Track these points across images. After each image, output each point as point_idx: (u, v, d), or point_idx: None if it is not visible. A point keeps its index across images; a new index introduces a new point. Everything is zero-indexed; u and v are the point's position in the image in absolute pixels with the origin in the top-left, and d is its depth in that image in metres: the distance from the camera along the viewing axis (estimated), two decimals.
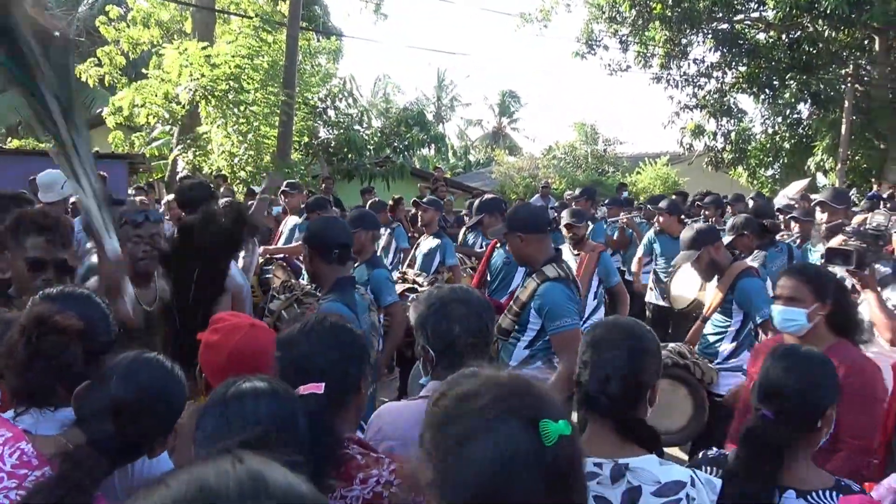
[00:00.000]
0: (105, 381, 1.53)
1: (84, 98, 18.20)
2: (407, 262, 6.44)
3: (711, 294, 3.94)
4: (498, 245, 5.40)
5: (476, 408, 1.04)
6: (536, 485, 0.98)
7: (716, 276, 3.87)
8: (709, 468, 1.85)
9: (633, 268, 7.12)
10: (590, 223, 7.58)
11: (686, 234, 3.99)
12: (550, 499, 0.99)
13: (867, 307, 3.20)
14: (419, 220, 6.55)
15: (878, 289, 3.27)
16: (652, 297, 6.64)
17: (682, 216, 6.87)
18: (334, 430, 1.60)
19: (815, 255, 5.23)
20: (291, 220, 6.94)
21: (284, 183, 7.40)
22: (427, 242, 6.18)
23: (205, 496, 0.62)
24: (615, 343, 1.69)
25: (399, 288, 5.14)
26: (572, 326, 3.18)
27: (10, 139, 19.27)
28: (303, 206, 7.04)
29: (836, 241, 3.79)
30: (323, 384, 1.60)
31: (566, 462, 1.02)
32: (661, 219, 6.63)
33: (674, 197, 9.21)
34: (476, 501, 0.98)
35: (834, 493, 1.75)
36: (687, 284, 5.02)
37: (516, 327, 3.37)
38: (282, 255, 6.27)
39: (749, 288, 3.70)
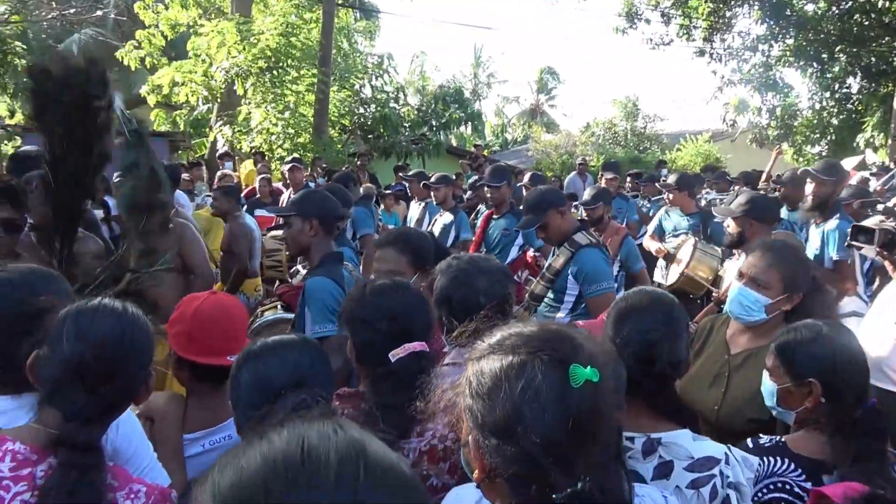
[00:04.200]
0: (58, 345, 1.36)
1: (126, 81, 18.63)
2: None
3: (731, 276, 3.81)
4: (495, 216, 5.41)
5: (509, 346, 1.12)
6: (557, 423, 1.04)
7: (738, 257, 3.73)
8: (770, 458, 1.77)
9: (645, 242, 6.58)
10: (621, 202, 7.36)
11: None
12: (571, 440, 1.04)
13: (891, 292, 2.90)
14: (433, 198, 6.53)
15: None
16: (658, 275, 6.27)
17: (693, 192, 6.50)
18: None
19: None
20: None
21: (290, 158, 7.57)
22: (443, 218, 6.22)
23: (305, 452, 0.63)
24: (647, 315, 1.65)
25: None
26: (609, 289, 3.36)
27: None
28: (307, 182, 7.15)
29: (872, 221, 3.63)
30: (424, 342, 1.70)
31: (589, 407, 1.06)
32: (670, 195, 6.32)
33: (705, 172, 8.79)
34: (503, 430, 1.05)
35: None
36: (679, 260, 5.01)
37: (550, 294, 3.50)
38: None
39: None
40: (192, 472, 1.76)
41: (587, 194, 5.43)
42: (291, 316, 3.88)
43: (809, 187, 4.68)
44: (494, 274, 2.02)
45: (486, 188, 5.64)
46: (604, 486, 1.10)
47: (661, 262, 6.30)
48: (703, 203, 7.53)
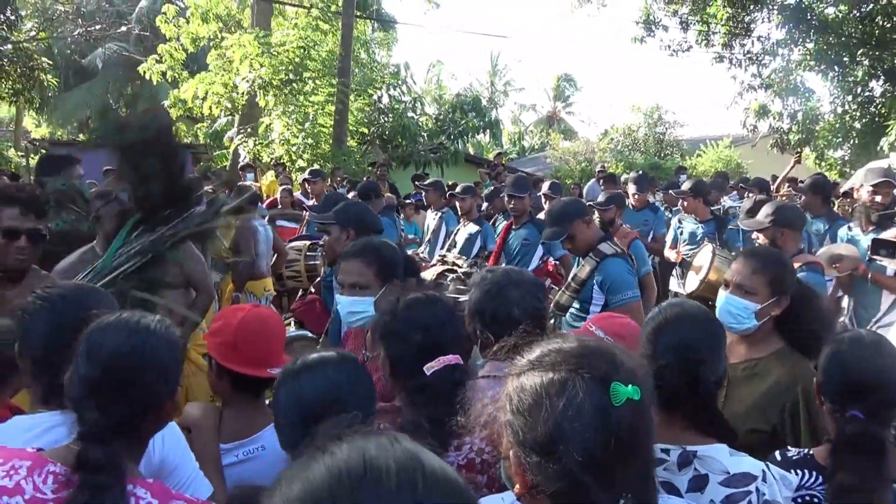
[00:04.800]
0: (76, 363, 1.36)
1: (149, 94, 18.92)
2: (446, 246, 6.50)
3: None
4: (514, 227, 5.41)
5: (549, 363, 1.13)
6: (598, 441, 1.05)
7: None
8: (797, 471, 1.74)
9: (665, 253, 6.58)
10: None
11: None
12: (612, 457, 1.05)
13: None
14: (458, 209, 6.54)
15: None
16: (675, 284, 6.28)
17: (708, 199, 6.47)
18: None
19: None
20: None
21: (307, 171, 7.65)
22: (467, 228, 6.24)
23: (367, 464, 0.67)
24: (689, 332, 1.64)
25: (438, 269, 5.23)
26: (635, 298, 3.41)
27: (80, 133, 20.12)
28: (327, 192, 7.23)
29: (892, 233, 3.57)
30: (458, 356, 1.71)
31: (630, 425, 1.07)
32: (685, 203, 6.30)
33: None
34: (545, 448, 1.06)
35: None
36: (698, 267, 4.93)
37: (576, 304, 3.54)
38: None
39: (808, 282, 3.49)
40: (227, 482, 1.77)
41: (600, 196, 5.46)
42: (310, 335, 3.92)
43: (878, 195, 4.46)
44: (528, 287, 2.02)
45: (508, 198, 5.64)
46: (643, 502, 1.11)
47: (676, 271, 6.27)
48: (725, 208, 7.48)
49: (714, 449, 1.57)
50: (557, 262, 5.27)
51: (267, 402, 1.95)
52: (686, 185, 6.43)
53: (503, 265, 5.31)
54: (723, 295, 2.29)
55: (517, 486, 1.15)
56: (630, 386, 1.08)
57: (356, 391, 1.51)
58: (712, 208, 7.28)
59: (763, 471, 1.55)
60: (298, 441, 1.46)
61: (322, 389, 1.49)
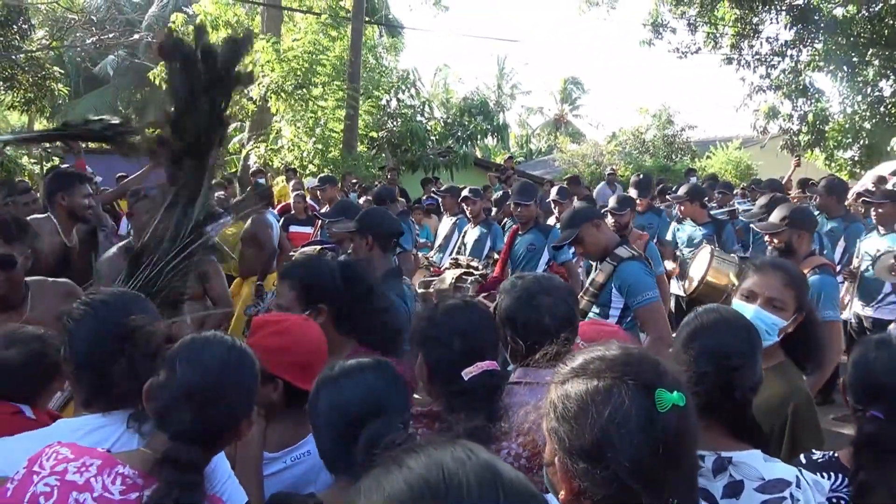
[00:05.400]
0: (171, 371, 1.45)
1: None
2: (456, 249, 6.53)
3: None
4: (520, 232, 5.43)
5: (594, 370, 1.15)
6: (646, 447, 1.06)
7: None
8: (822, 474, 1.77)
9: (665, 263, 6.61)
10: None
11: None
12: (658, 462, 1.07)
13: None
14: (468, 211, 6.58)
15: None
16: (675, 286, 6.24)
17: (704, 202, 6.47)
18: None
19: None
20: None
21: (317, 179, 7.69)
22: (474, 231, 6.29)
23: (447, 478, 0.67)
24: (726, 339, 1.65)
25: (455, 272, 5.24)
26: (654, 299, 3.39)
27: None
28: (339, 197, 7.27)
29: None
30: (494, 361, 1.73)
31: (676, 431, 1.09)
32: (682, 207, 6.28)
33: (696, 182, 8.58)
34: (592, 455, 1.08)
35: None
36: (697, 268, 5.02)
37: (595, 309, 3.56)
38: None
39: (822, 285, 3.47)
40: (276, 488, 1.80)
41: (613, 200, 5.45)
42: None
43: None
44: (560, 293, 2.03)
45: (514, 205, 5.64)
46: None
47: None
48: (739, 211, 7.47)
49: (749, 455, 1.58)
50: (563, 267, 5.29)
51: None
52: (682, 190, 6.42)
53: (509, 270, 5.36)
54: (750, 308, 2.20)
55: (562, 492, 1.16)
56: (675, 392, 1.10)
57: (394, 396, 1.53)
58: (721, 210, 7.29)
59: (797, 476, 1.57)
60: (340, 447, 1.49)
61: (362, 395, 1.51)
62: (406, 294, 3.21)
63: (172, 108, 2.46)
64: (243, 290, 6.11)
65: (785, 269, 2.30)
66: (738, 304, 2.28)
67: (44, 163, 16.09)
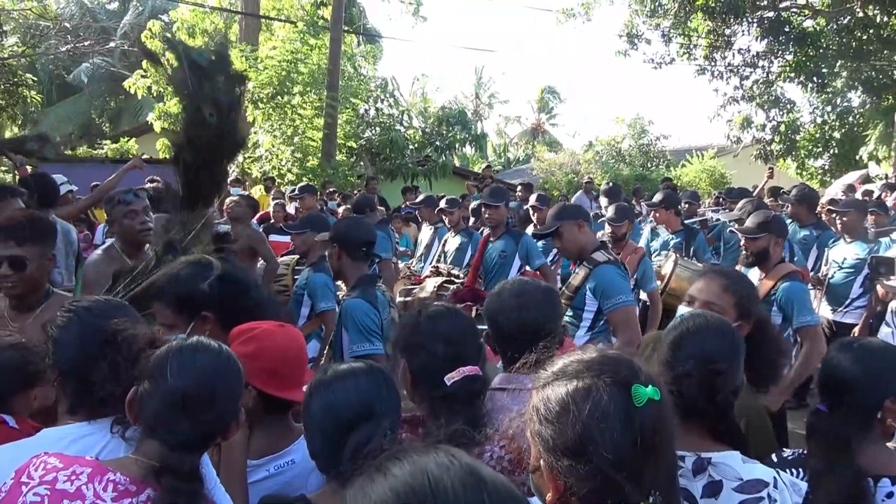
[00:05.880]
0: (160, 379, 1.43)
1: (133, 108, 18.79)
2: (435, 258, 6.54)
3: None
4: (492, 239, 5.47)
5: (573, 372, 1.20)
6: (625, 440, 1.12)
7: (758, 273, 3.75)
8: (792, 470, 1.82)
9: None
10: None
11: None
12: (637, 454, 1.12)
13: None
14: (446, 221, 6.60)
15: None
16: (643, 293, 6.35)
17: (679, 209, 6.59)
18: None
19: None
20: None
21: (297, 188, 7.71)
22: (455, 240, 6.31)
23: (432, 484, 0.68)
24: (711, 344, 1.68)
25: (436, 281, 5.25)
26: (628, 303, 3.43)
27: (64, 148, 19.94)
28: (320, 207, 7.25)
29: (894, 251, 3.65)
30: (477, 367, 1.76)
31: (653, 424, 1.14)
32: (657, 214, 6.38)
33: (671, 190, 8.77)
34: (575, 451, 1.12)
35: None
36: (662, 277, 5.19)
37: (569, 312, 3.57)
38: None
39: (793, 292, 3.56)
40: (259, 495, 1.79)
41: (611, 211, 5.46)
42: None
43: None
44: (543, 298, 2.06)
45: (483, 207, 5.67)
46: (671, 501, 1.17)
47: None
48: (711, 220, 7.60)
49: (728, 456, 1.62)
50: (537, 273, 5.31)
51: None
52: (657, 197, 6.53)
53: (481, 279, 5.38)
54: (686, 312, 2.16)
55: (549, 494, 1.19)
56: (650, 387, 1.16)
57: (385, 400, 1.56)
58: (692, 219, 7.42)
59: (774, 477, 1.61)
60: (331, 449, 1.50)
61: (354, 399, 1.53)
62: (379, 300, 3.20)
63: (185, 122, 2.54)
64: None
65: (726, 276, 2.32)
66: (680, 308, 2.30)
67: (16, 171, 15.77)
